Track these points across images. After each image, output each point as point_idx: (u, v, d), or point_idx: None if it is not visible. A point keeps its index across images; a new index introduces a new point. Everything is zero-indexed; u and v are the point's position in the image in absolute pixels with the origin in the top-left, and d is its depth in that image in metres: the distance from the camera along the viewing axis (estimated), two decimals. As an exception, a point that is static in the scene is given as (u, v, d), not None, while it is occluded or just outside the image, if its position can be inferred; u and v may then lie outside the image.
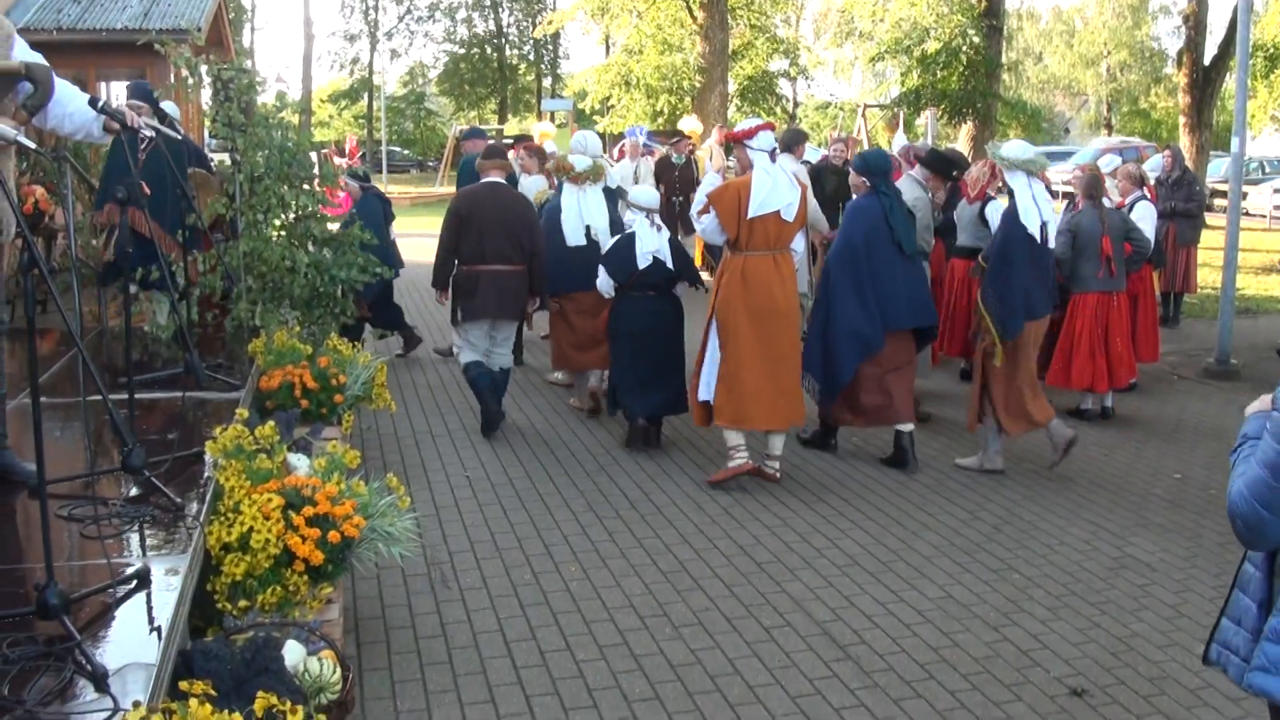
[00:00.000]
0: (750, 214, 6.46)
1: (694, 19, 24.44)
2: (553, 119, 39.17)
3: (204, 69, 7.85)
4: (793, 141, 10.16)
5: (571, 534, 5.97)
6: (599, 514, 6.27)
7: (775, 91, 35.52)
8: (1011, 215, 6.87)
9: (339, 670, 3.57)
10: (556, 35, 48.58)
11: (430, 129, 55.66)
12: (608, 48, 37.67)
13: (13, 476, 4.55)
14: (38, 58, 4.16)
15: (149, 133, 5.04)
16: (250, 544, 3.94)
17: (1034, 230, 6.77)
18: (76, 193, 8.43)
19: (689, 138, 15.10)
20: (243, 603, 3.94)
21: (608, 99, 29.38)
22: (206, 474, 4.58)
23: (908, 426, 7.17)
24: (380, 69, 53.34)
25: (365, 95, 54.89)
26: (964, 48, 20.58)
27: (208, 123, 8.63)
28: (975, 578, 5.50)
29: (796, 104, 46.55)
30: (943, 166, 8.74)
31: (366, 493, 4.44)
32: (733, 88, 29.68)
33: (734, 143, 6.81)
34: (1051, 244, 7.06)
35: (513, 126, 47.33)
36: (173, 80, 13.64)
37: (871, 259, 6.92)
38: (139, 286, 7.29)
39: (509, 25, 53.93)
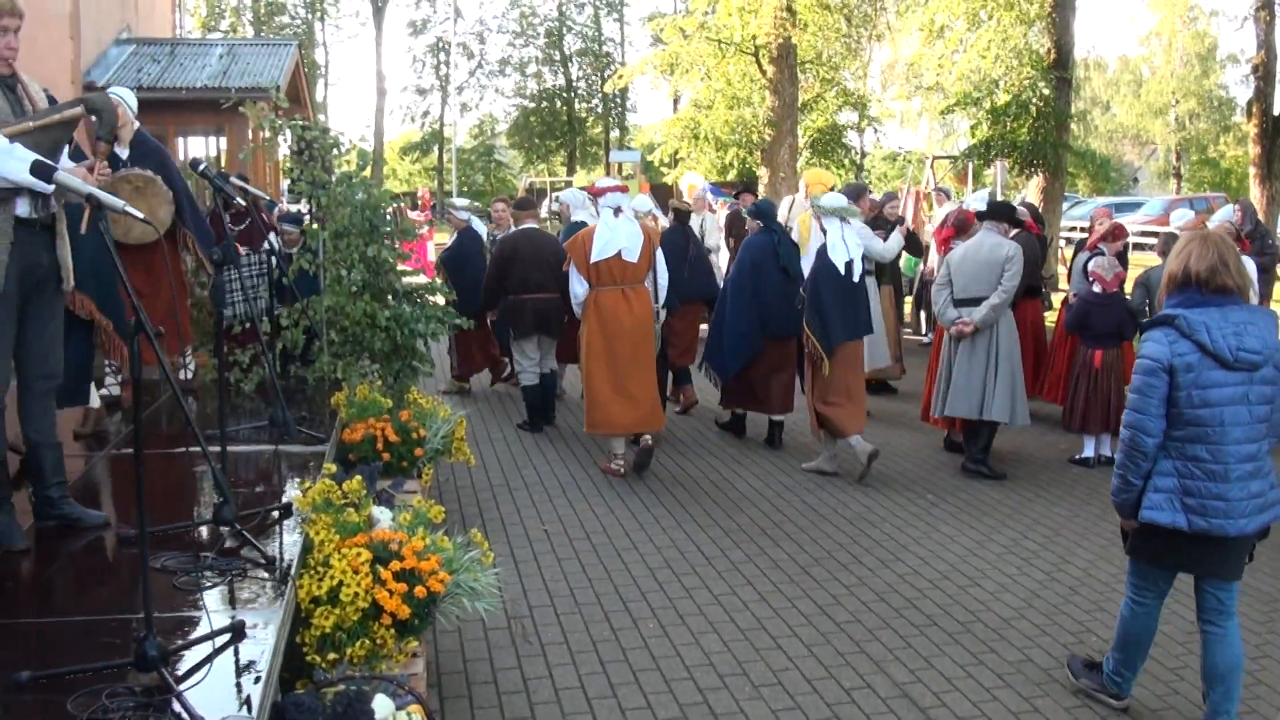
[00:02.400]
0: (594, 258, 7.96)
1: (764, 74, 24.55)
2: (620, 171, 39.55)
3: (287, 129, 8.04)
4: (855, 195, 10.20)
5: (649, 590, 5.99)
6: (675, 570, 6.29)
7: (844, 143, 35.57)
8: (822, 252, 8.09)
9: (427, 725, 3.61)
10: (625, 89, 49.05)
11: (500, 180, 56.26)
12: (675, 101, 37.96)
13: (82, 524, 4.69)
14: None
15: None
16: (340, 597, 4.01)
17: (840, 264, 8.02)
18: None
19: (751, 191, 15.11)
20: (331, 655, 4.00)
21: (676, 152, 29.54)
22: (295, 527, 4.67)
23: (780, 418, 9.09)
24: (451, 122, 54.14)
25: (436, 147, 55.70)
26: (1033, 100, 20.49)
27: (286, 180, 8.80)
28: (1054, 640, 5.44)
29: (864, 155, 46.54)
30: (1006, 212, 8.69)
31: (451, 547, 4.50)
32: (802, 140, 29.72)
33: (591, 195, 8.77)
34: (855, 277, 8.11)
35: (581, 178, 47.74)
36: (251, 138, 14.00)
37: (758, 281, 8.60)
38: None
39: (578, 79, 54.53)
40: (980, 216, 8.63)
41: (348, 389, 7.02)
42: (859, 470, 8.11)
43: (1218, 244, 4.13)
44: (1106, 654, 4.84)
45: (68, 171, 4.23)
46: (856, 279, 8.13)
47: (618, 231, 8.00)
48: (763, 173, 23.85)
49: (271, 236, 8.05)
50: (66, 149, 4.62)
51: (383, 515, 4.98)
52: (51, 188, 4.01)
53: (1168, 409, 4.17)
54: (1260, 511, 4.23)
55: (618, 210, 8.09)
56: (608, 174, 41.40)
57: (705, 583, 6.10)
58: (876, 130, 42.02)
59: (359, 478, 4.85)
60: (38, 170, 3.78)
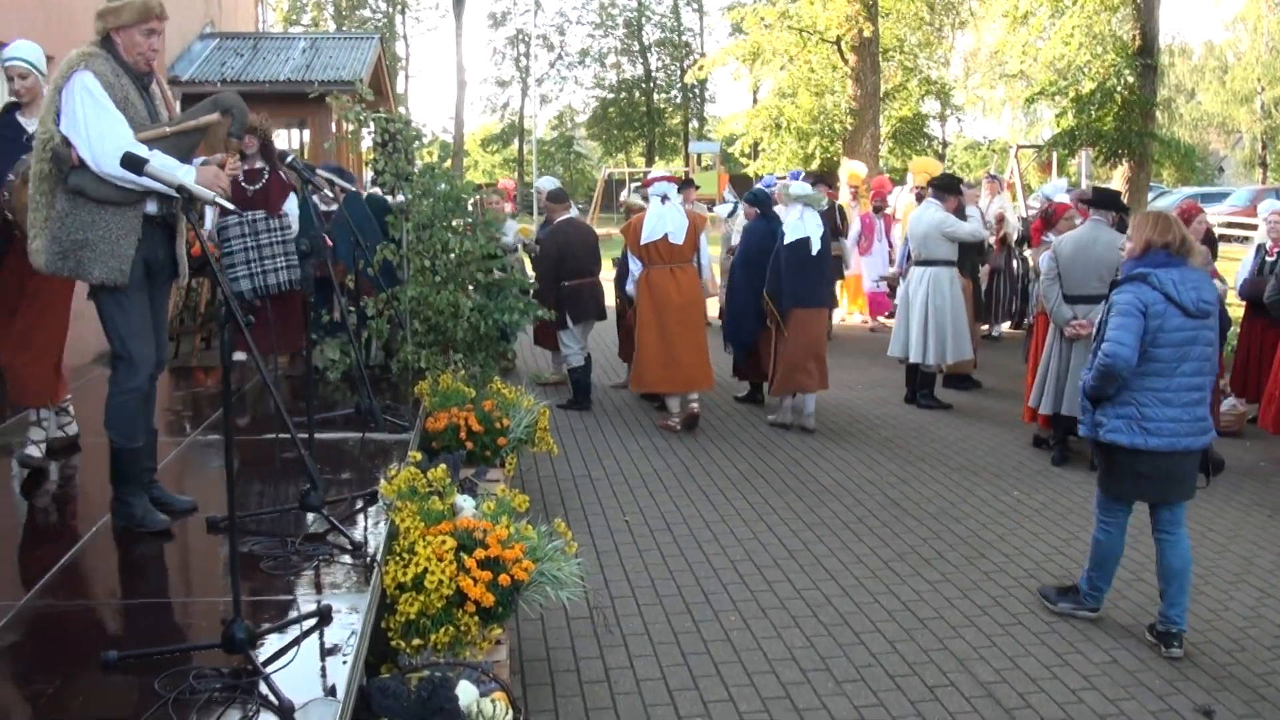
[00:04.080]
0: (644, 240, 9.01)
1: (845, 62, 24.36)
2: (699, 161, 39.48)
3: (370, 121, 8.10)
4: (949, 188, 10.05)
5: (730, 582, 5.96)
6: (757, 563, 6.25)
7: (926, 132, 35.18)
8: (781, 233, 9.18)
9: (511, 712, 3.61)
10: (704, 80, 48.91)
11: (579, 171, 56.44)
12: (755, 93, 37.78)
13: (171, 509, 4.76)
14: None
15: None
16: (424, 584, 4.04)
17: (794, 239, 9.05)
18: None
19: (827, 182, 14.75)
20: (416, 641, 4.03)
21: (758, 143, 29.41)
22: (380, 514, 4.71)
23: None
24: (531, 114, 54.42)
25: (516, 139, 56.04)
26: (1118, 88, 20.08)
27: (369, 171, 8.88)
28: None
29: (945, 144, 46.01)
30: (1113, 201, 8.39)
31: (535, 536, 4.51)
32: (884, 129, 29.42)
33: (643, 186, 9.96)
34: (813, 251, 9.09)
35: (659, 168, 47.72)
36: (335, 130, 14.17)
37: (762, 264, 9.32)
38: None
39: (657, 70, 54.50)
40: (1088, 203, 8.34)
41: (431, 378, 7.07)
42: (795, 424, 9.38)
43: (1173, 220, 5.15)
44: (1081, 576, 5.66)
45: (199, 169, 4.33)
46: (815, 254, 9.12)
47: (664, 217, 9.03)
48: (845, 162, 23.65)
49: (297, 200, 7.55)
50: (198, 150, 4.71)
51: (466, 504, 5.02)
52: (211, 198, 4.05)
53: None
54: (1202, 434, 5.15)
55: (665, 198, 9.15)
56: (686, 165, 41.37)
57: (787, 576, 6.06)
58: (959, 119, 41.56)
59: (443, 466, 4.88)
60: (129, 162, 3.85)
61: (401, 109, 8.34)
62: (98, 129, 4.17)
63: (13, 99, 5.58)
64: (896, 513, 7.20)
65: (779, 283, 9.10)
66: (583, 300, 9.98)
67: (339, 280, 6.84)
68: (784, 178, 13.53)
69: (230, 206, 3.86)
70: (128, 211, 4.32)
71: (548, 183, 11.31)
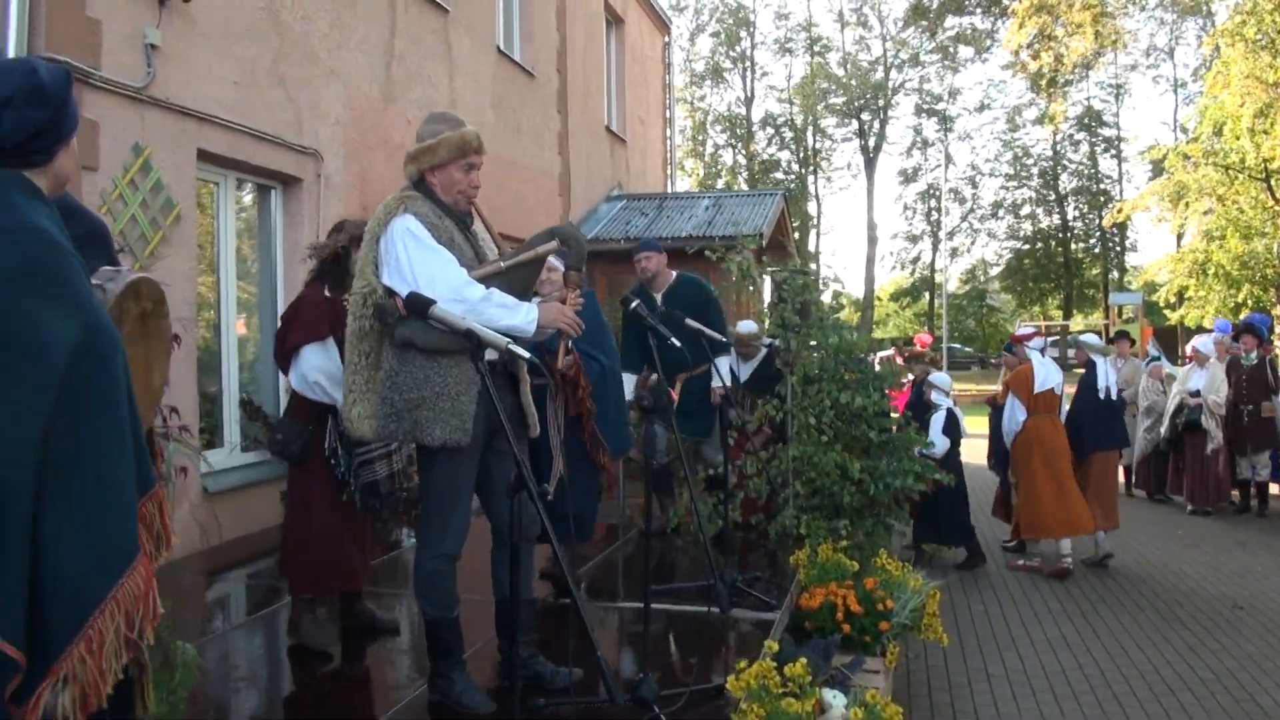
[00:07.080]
0: (1037, 389, 9.30)
1: (1276, 200, 22.14)
2: (1119, 314, 36.99)
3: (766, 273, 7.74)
4: None
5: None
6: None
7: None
8: (1089, 381, 9.90)
9: None
10: (1124, 226, 46.16)
11: (992, 325, 54.61)
12: (1179, 237, 35.13)
13: (554, 685, 4.28)
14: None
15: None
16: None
17: (1100, 391, 9.79)
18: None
19: (1252, 336, 12.78)
20: None
21: (1183, 290, 27.19)
22: (726, 709, 4.05)
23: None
24: (941, 267, 53.29)
25: (927, 293, 55.08)
26: None
27: (765, 323, 8.49)
28: None
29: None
30: None
31: (910, 758, 3.70)
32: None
33: (1016, 342, 10.05)
34: (1112, 399, 9.88)
35: (1077, 322, 45.28)
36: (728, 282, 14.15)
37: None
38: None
39: (1074, 219, 52.16)
40: None
41: (810, 546, 6.39)
42: (1093, 559, 9.63)
43: None
44: None
45: (543, 307, 3.97)
46: (1110, 401, 9.88)
47: (1050, 369, 9.45)
48: (1279, 311, 21.26)
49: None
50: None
51: (836, 701, 4.32)
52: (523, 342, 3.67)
53: None
54: None
55: (1043, 351, 9.74)
56: (1105, 317, 39.10)
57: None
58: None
59: (803, 660, 4.16)
60: (412, 304, 3.51)
61: (812, 265, 7.95)
62: (425, 271, 3.78)
63: None
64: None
65: (1078, 429, 9.64)
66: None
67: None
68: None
69: (525, 355, 3.40)
70: (464, 362, 3.88)
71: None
